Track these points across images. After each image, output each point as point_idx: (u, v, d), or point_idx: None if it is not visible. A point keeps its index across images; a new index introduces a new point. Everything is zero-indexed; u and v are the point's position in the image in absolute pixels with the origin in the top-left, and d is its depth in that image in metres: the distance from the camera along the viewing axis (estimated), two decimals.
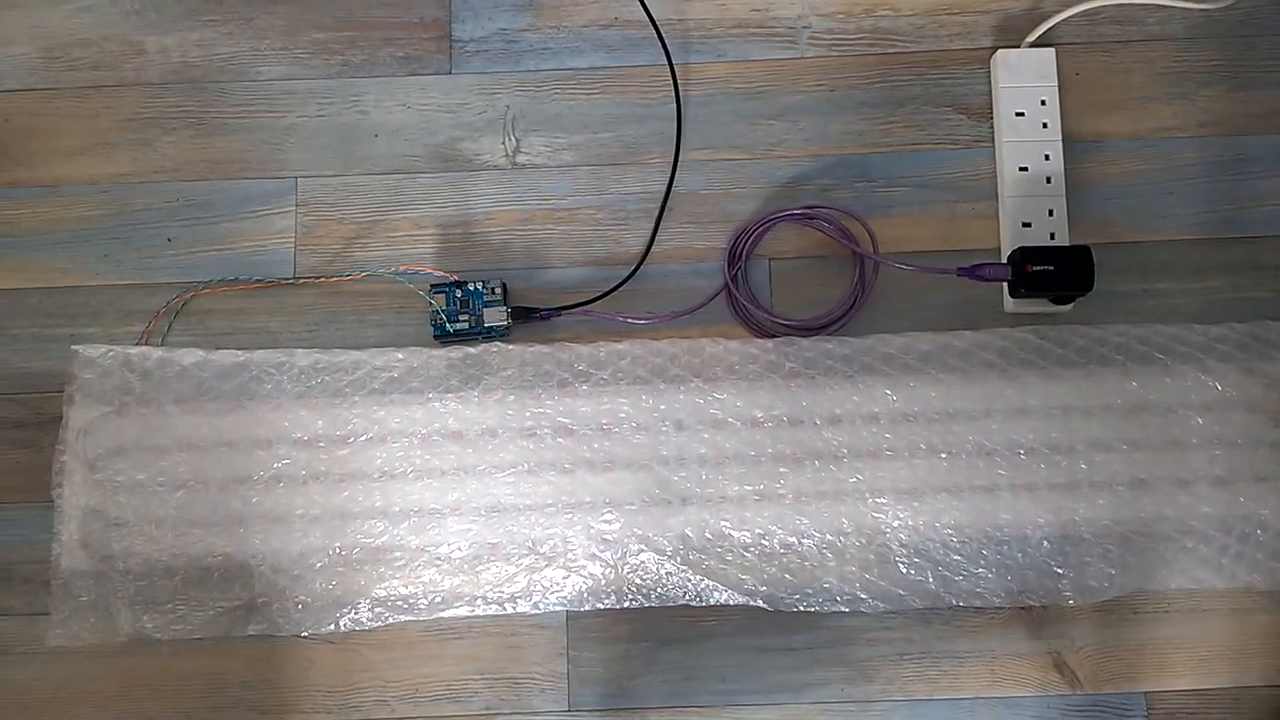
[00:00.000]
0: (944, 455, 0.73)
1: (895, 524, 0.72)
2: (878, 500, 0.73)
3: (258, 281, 0.78)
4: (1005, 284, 0.76)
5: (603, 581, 0.73)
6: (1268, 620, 0.74)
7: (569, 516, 0.73)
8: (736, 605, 0.72)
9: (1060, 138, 0.77)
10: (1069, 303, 0.75)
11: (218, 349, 0.76)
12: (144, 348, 0.76)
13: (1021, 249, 0.73)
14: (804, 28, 0.81)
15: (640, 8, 0.79)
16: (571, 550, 0.73)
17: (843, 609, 0.72)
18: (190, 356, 0.75)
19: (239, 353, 0.75)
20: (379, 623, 0.72)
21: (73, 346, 0.75)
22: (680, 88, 0.79)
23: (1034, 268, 0.73)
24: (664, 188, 0.79)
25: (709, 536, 0.73)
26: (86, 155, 0.80)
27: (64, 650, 0.73)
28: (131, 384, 0.75)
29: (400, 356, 0.75)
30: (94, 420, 0.74)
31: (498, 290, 0.76)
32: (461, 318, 0.76)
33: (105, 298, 0.78)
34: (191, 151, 0.80)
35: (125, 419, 0.74)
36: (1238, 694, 0.73)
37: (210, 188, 0.80)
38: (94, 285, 0.78)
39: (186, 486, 0.73)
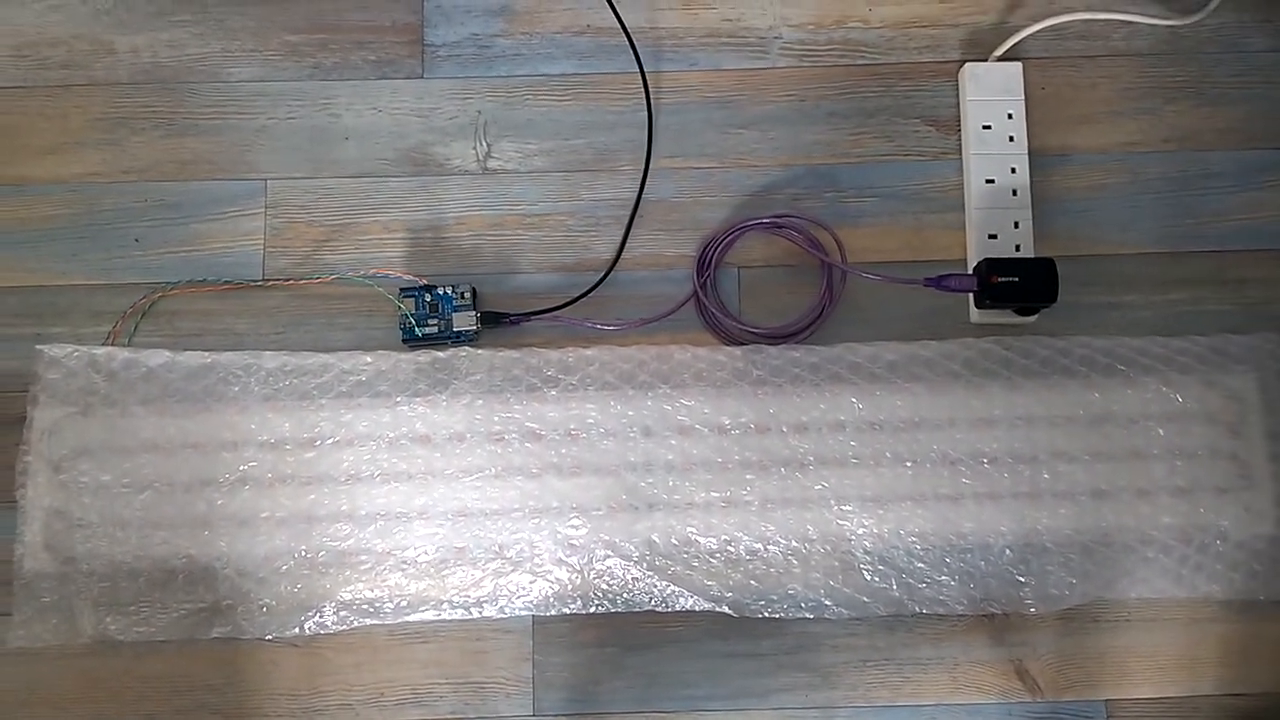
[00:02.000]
0: (909, 464, 0.74)
1: (860, 531, 0.73)
2: (843, 508, 0.73)
3: (226, 283, 0.78)
4: (971, 295, 0.76)
5: (569, 586, 0.73)
6: (1226, 630, 0.75)
7: (536, 521, 0.73)
8: (702, 611, 0.73)
9: (1026, 151, 0.78)
10: (1033, 314, 0.76)
11: (185, 350, 0.75)
12: (110, 348, 0.75)
13: (987, 260, 0.74)
14: (775, 38, 0.82)
15: (613, 15, 0.80)
16: (538, 555, 0.73)
17: (807, 615, 0.73)
18: (157, 358, 0.75)
19: (206, 354, 0.75)
20: (344, 626, 0.72)
21: (38, 346, 0.75)
22: (652, 95, 0.79)
23: (999, 279, 0.73)
24: (634, 195, 0.79)
25: (675, 542, 0.73)
26: (55, 154, 0.80)
27: (25, 651, 0.72)
28: (97, 385, 0.74)
29: (368, 360, 0.75)
30: (59, 421, 0.74)
31: (467, 295, 0.76)
32: (430, 322, 0.76)
33: (72, 298, 0.78)
34: (161, 152, 0.80)
35: (90, 420, 0.74)
36: (1196, 703, 0.74)
37: (179, 188, 0.79)
38: (61, 285, 0.78)
39: (151, 488, 0.73)
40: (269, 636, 0.72)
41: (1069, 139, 0.80)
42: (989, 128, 0.78)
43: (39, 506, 0.73)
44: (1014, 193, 0.78)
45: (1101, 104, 0.80)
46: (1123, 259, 0.79)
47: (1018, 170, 0.78)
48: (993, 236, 0.77)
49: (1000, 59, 0.79)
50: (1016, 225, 0.77)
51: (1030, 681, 0.74)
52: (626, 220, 0.79)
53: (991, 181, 0.78)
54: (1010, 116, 0.78)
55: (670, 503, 0.73)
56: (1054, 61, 0.81)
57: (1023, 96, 0.79)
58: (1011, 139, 0.78)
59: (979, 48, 0.81)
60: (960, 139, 0.80)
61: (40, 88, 0.81)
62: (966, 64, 0.79)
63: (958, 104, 0.80)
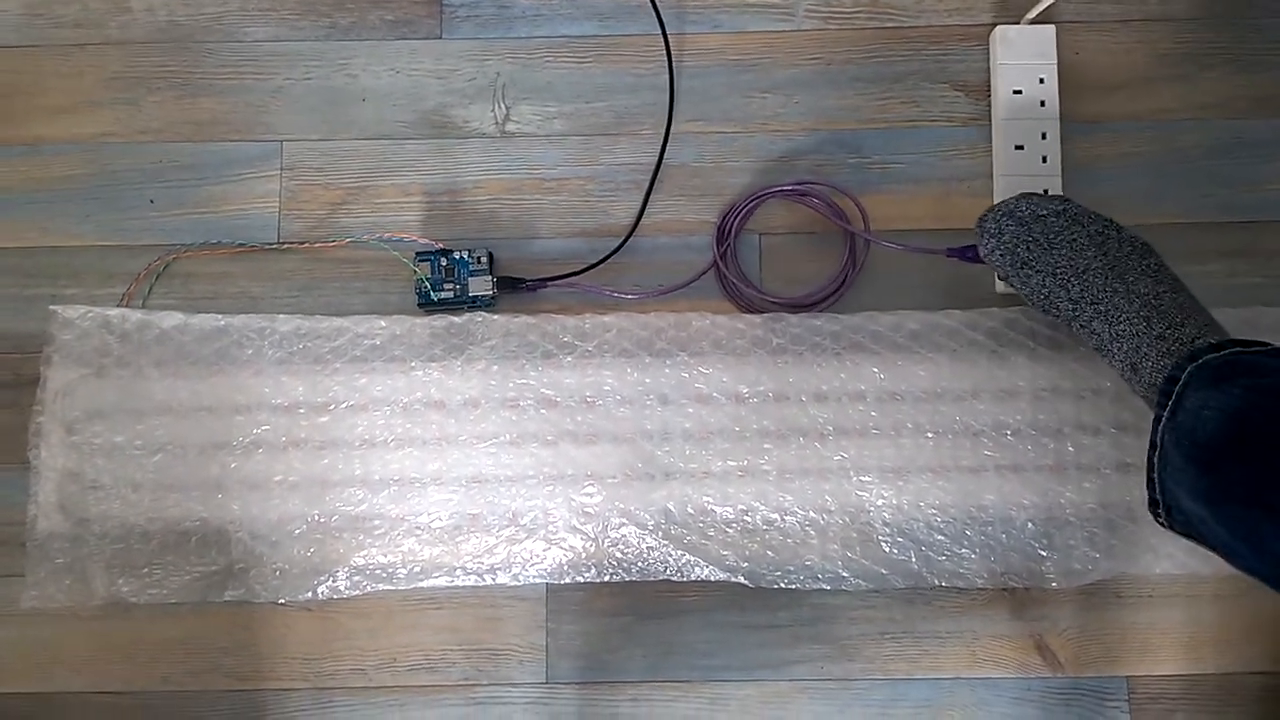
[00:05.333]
0: (930, 435, 0.72)
1: (879, 503, 0.72)
2: (862, 478, 0.72)
3: (240, 246, 0.77)
4: None
5: (583, 555, 0.72)
6: (1252, 606, 0.73)
7: (550, 489, 0.72)
8: (718, 581, 0.72)
9: (1058, 117, 0.76)
10: None
11: (198, 313, 0.75)
12: (123, 310, 0.75)
13: None
14: (800, 0, 0.80)
15: None
16: (552, 523, 0.72)
17: (824, 587, 0.72)
18: (170, 320, 0.74)
19: (219, 317, 0.74)
20: (357, 591, 0.72)
21: (51, 307, 0.74)
22: (674, 58, 0.78)
23: None
24: (655, 159, 0.78)
25: (691, 511, 0.72)
26: (70, 114, 0.79)
27: (38, 613, 0.72)
28: (110, 346, 0.74)
29: (383, 324, 0.75)
30: (72, 382, 0.73)
31: (484, 259, 0.75)
32: (446, 286, 0.75)
33: (86, 259, 0.77)
34: (176, 112, 0.79)
35: (104, 381, 0.73)
36: (1219, 680, 0.73)
37: (194, 149, 0.78)
38: (75, 246, 0.77)
39: (165, 450, 0.73)
40: (282, 600, 0.72)
41: (1101, 105, 0.78)
42: (1019, 93, 0.76)
43: (52, 468, 0.72)
44: (1044, 159, 0.76)
45: (1135, 70, 0.78)
46: (1153, 229, 0.76)
47: (1048, 136, 0.76)
48: None
49: (1033, 22, 0.77)
50: (1045, 193, 0.75)
51: (1050, 656, 0.73)
52: (646, 185, 0.78)
53: (1021, 148, 0.76)
54: (1042, 81, 0.76)
55: (687, 471, 0.73)
56: (1088, 25, 0.79)
57: (1055, 61, 0.77)
58: (1043, 104, 0.76)
59: (1011, 10, 0.79)
60: (989, 104, 0.78)
61: (54, 46, 0.80)
62: (998, 27, 0.77)
63: (988, 68, 0.78)
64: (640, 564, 0.72)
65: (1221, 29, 0.79)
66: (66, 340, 0.74)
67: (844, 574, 0.72)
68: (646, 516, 0.72)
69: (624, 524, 0.72)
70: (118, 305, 0.76)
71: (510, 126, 0.79)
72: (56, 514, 0.72)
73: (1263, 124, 0.78)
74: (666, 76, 0.78)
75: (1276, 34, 0.78)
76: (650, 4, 0.78)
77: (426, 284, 0.74)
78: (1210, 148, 0.78)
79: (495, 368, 0.74)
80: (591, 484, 0.72)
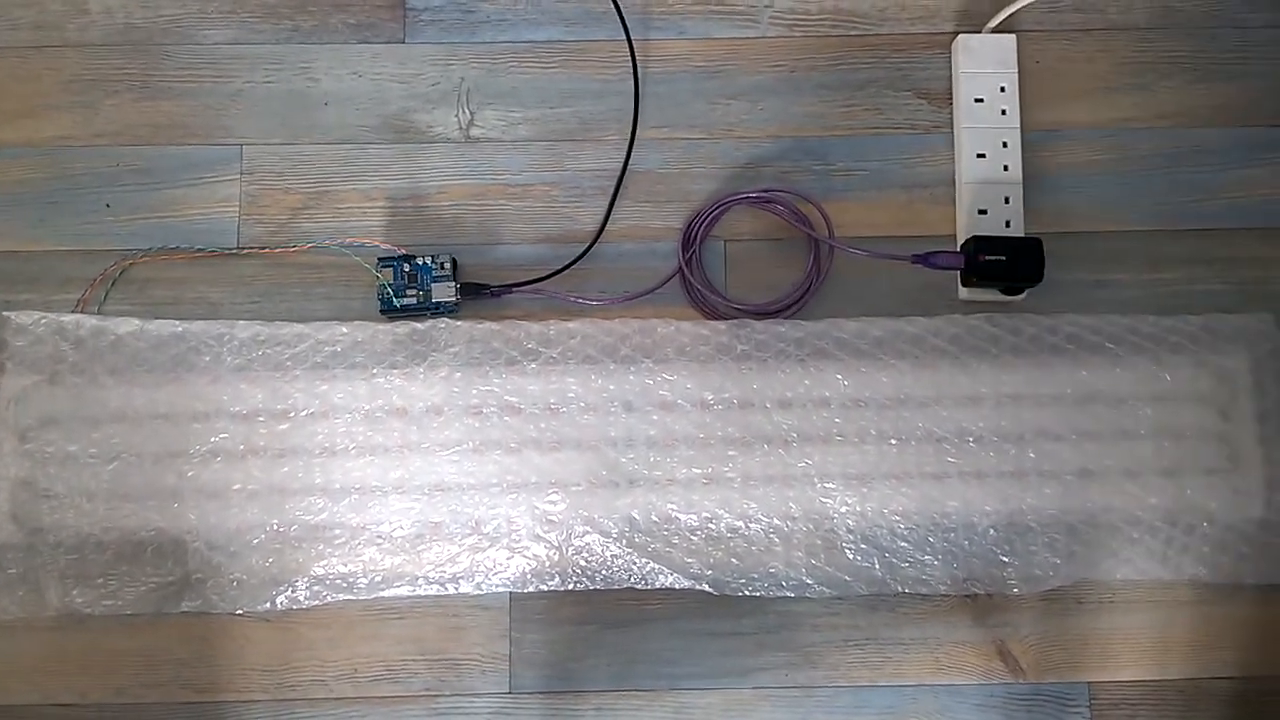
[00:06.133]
0: (894, 441, 0.73)
1: (843, 510, 0.72)
2: (826, 485, 0.72)
3: (199, 251, 0.76)
4: (958, 272, 0.75)
5: (547, 563, 0.72)
6: (1211, 612, 0.74)
7: (514, 496, 0.72)
8: (682, 589, 0.72)
9: (1019, 125, 0.77)
10: (1020, 293, 0.75)
11: (156, 319, 0.74)
12: (78, 315, 0.74)
13: (975, 239, 0.73)
14: (766, 7, 0.80)
15: None
16: (516, 531, 0.72)
17: (789, 594, 0.72)
18: (126, 326, 0.73)
19: (176, 323, 0.73)
20: (317, 601, 0.71)
21: (4, 313, 0.73)
22: (639, 64, 0.78)
23: (986, 258, 0.72)
24: (620, 166, 0.77)
25: (655, 519, 0.72)
26: (26, 117, 0.78)
27: None
28: (65, 353, 0.72)
29: (345, 331, 0.74)
30: (25, 389, 0.72)
31: (447, 265, 0.74)
32: (409, 292, 0.74)
33: (41, 264, 0.76)
34: (134, 115, 0.78)
35: (58, 388, 0.72)
36: (1180, 685, 0.74)
37: (153, 153, 0.77)
38: (30, 251, 0.76)
39: (120, 459, 0.71)
40: (240, 611, 0.71)
41: (1062, 113, 0.78)
42: (981, 101, 0.77)
43: (5, 477, 0.71)
44: (1005, 167, 0.76)
45: (1096, 78, 0.79)
46: (1114, 236, 0.77)
47: (1009, 145, 0.76)
48: (983, 212, 0.76)
49: (994, 30, 0.78)
50: (1007, 200, 0.76)
51: (1013, 662, 0.73)
52: (611, 191, 0.77)
53: (983, 156, 0.76)
54: (1003, 90, 0.77)
55: (651, 479, 0.72)
56: (1049, 34, 0.79)
57: (1016, 69, 0.77)
58: (1004, 113, 0.77)
59: (973, 19, 0.79)
60: (952, 112, 0.78)
61: (11, 49, 0.79)
62: (960, 35, 0.78)
63: (950, 77, 0.79)
64: (604, 572, 0.72)
65: (1181, 38, 0.80)
66: (20, 346, 0.72)
67: (808, 581, 0.72)
68: (611, 524, 0.72)
69: (588, 532, 0.72)
70: (73, 311, 0.74)
71: (475, 131, 0.78)
72: (9, 524, 0.71)
73: (1221, 132, 0.79)
74: (632, 82, 0.78)
75: (1234, 44, 0.79)
76: (615, 10, 0.78)
77: (389, 290, 0.74)
78: (1169, 156, 0.78)
79: (458, 374, 0.73)
80: (555, 492, 0.72)
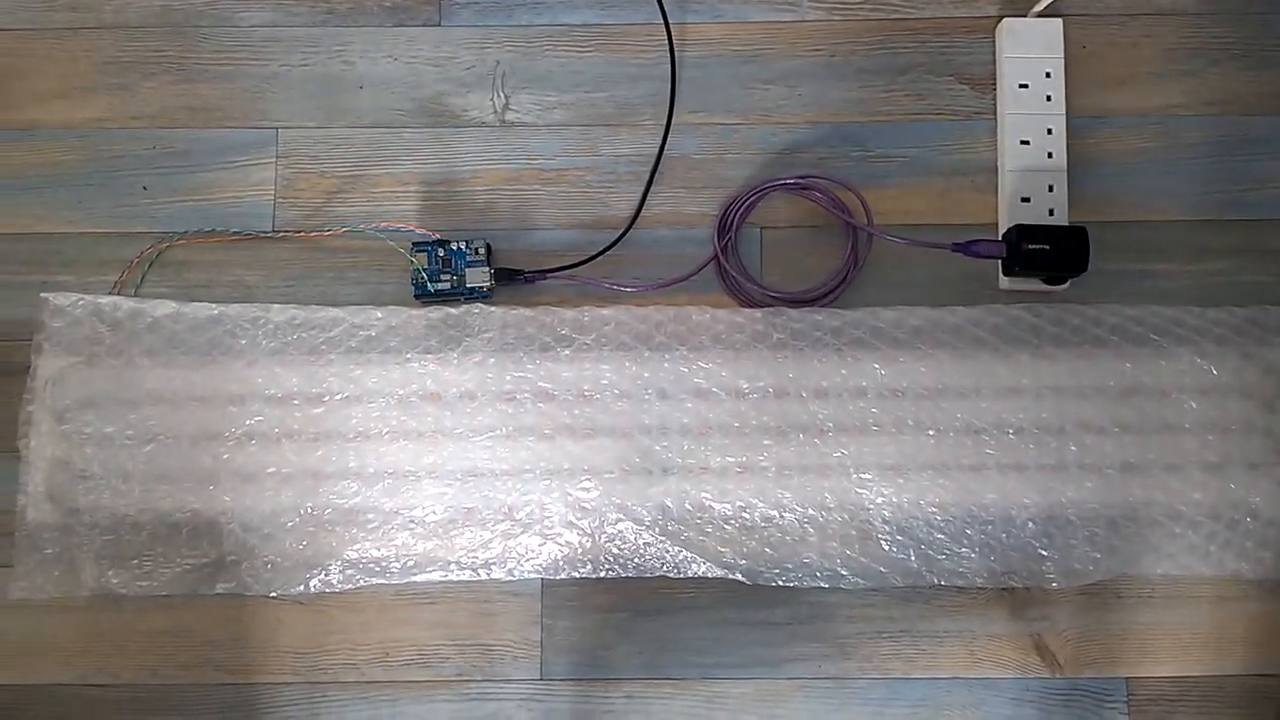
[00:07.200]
0: (931, 432, 0.72)
1: (879, 500, 0.71)
2: (862, 476, 0.71)
3: (235, 234, 0.76)
4: (999, 261, 0.74)
5: (579, 550, 0.72)
6: (1254, 609, 0.72)
7: (547, 483, 0.72)
8: (715, 578, 0.71)
9: (1064, 112, 0.75)
10: (1063, 283, 0.74)
11: (192, 301, 0.74)
12: (115, 297, 0.74)
13: (1017, 227, 0.72)
14: None
15: None
16: (548, 517, 0.71)
17: (822, 585, 0.71)
18: (163, 308, 0.73)
19: (213, 306, 0.73)
20: (350, 585, 0.71)
21: (42, 294, 0.73)
22: (676, 48, 0.77)
23: (1029, 246, 0.71)
24: (655, 151, 0.77)
25: (689, 508, 0.71)
26: (63, 99, 0.78)
27: (27, 603, 0.71)
28: (102, 334, 0.73)
29: (379, 315, 0.74)
30: (63, 370, 0.72)
31: (481, 250, 0.74)
32: (443, 277, 0.74)
33: (79, 246, 0.76)
34: (171, 98, 0.78)
35: (95, 370, 0.72)
36: (1219, 682, 0.72)
37: (189, 136, 0.77)
38: (67, 233, 0.76)
39: (156, 440, 0.72)
40: (274, 593, 0.71)
41: (1108, 100, 0.77)
42: (1025, 86, 0.75)
43: (42, 457, 0.71)
44: (1049, 155, 0.75)
45: (1143, 64, 0.77)
46: (1159, 226, 0.76)
47: (1054, 132, 0.75)
48: (1025, 200, 0.74)
49: (1040, 15, 0.76)
50: (1051, 189, 0.74)
51: (1049, 657, 0.72)
52: (647, 177, 0.77)
53: (1026, 143, 0.75)
54: (1048, 75, 0.75)
55: (685, 467, 0.72)
56: (1096, 19, 0.78)
57: (1062, 55, 0.76)
58: (1049, 99, 0.75)
59: (1017, 3, 0.78)
60: (995, 98, 0.77)
61: (48, 30, 0.79)
62: (1004, 19, 0.76)
63: (994, 61, 0.77)
64: (637, 560, 0.71)
65: (1231, 24, 0.78)
66: (57, 328, 0.73)
67: (842, 572, 0.71)
68: (644, 512, 0.71)
69: (621, 519, 0.71)
70: (110, 293, 0.75)
71: (509, 116, 0.78)
72: (46, 504, 0.71)
73: (1270, 121, 0.77)
74: (668, 66, 0.77)
75: None
76: None
77: (423, 275, 0.74)
78: (1217, 144, 0.77)
79: (492, 360, 0.73)
80: (588, 479, 0.72)
